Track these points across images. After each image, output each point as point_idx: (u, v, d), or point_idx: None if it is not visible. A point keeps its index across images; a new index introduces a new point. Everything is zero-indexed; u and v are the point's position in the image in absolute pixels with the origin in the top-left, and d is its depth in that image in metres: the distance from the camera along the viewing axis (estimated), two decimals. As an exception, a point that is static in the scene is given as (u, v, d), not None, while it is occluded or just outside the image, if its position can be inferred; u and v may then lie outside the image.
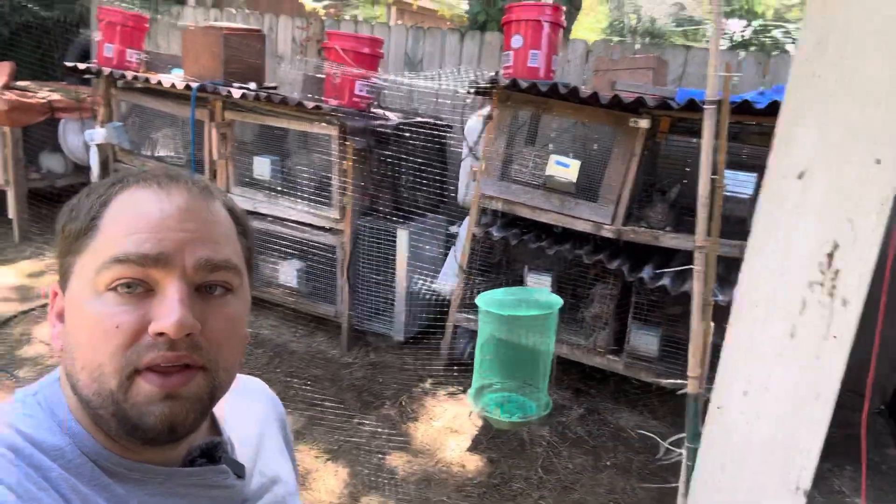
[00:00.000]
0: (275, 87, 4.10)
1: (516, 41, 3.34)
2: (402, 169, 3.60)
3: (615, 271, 3.18)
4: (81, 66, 4.28)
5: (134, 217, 0.60)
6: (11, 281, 4.22)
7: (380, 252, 3.62)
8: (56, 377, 0.64)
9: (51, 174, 5.05)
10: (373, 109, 3.62)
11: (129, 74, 4.08)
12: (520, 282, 3.38)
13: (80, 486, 0.57)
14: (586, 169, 3.26)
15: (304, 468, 2.77)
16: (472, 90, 3.41)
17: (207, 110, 3.89)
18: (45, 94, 4.78)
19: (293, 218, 3.73)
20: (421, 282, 3.63)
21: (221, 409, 0.75)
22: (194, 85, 3.76)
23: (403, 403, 3.31)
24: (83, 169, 4.95)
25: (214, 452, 0.69)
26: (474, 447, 3.01)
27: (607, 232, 3.17)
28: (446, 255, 3.73)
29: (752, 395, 0.76)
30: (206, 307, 0.61)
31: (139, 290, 0.58)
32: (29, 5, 5.90)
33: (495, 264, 3.58)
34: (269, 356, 3.62)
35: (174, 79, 3.94)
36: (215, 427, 0.74)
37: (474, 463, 2.90)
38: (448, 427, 3.13)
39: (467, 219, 3.51)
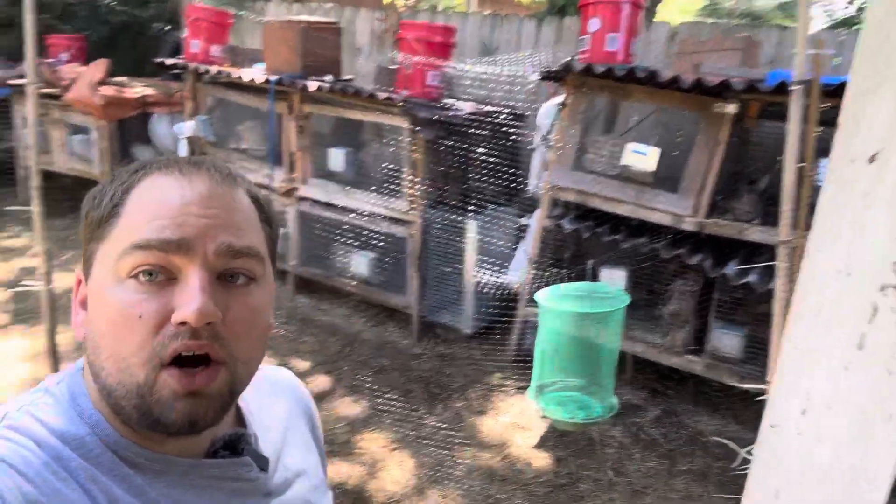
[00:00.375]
0: (350, 80, 4.14)
1: (593, 24, 3.20)
2: (472, 159, 3.54)
3: (696, 266, 3.00)
4: (169, 61, 4.48)
5: (155, 203, 0.59)
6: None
7: (449, 244, 3.59)
8: (80, 366, 0.64)
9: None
10: (444, 99, 3.58)
11: (213, 69, 4.23)
12: (592, 276, 3.26)
13: (100, 476, 0.57)
14: (666, 157, 3.10)
15: (370, 457, 2.79)
16: (545, 77, 3.30)
17: (286, 103, 3.98)
18: (138, 89, 5.05)
19: (365, 209, 3.76)
20: (490, 274, 3.57)
21: (247, 401, 0.74)
22: (273, 78, 3.85)
23: (470, 397, 3.27)
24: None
25: (238, 444, 0.68)
26: (541, 445, 2.93)
27: (688, 224, 3.00)
28: (516, 247, 3.65)
29: (812, 413, 0.66)
30: (227, 296, 0.60)
31: (160, 277, 0.58)
32: (118, 7, 6.24)
33: (566, 258, 3.47)
34: (341, 345, 3.68)
35: (254, 73, 4.05)
36: (240, 419, 0.73)
37: (541, 461, 2.83)
38: (514, 423, 3.07)
39: (538, 210, 3.42)
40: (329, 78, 3.86)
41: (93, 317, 0.60)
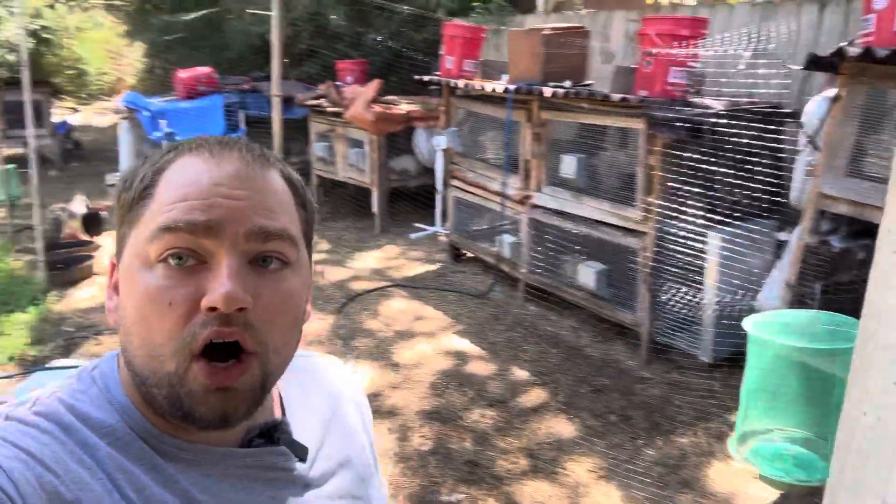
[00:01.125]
0: (589, 84, 3.98)
1: (879, 0, 2.60)
2: (720, 164, 3.13)
3: None
4: (426, 78, 4.81)
5: (184, 185, 0.57)
6: (369, 265, 4.98)
7: (687, 259, 3.22)
8: (117, 352, 0.64)
9: (405, 175, 5.82)
10: (691, 98, 3.23)
11: (462, 83, 4.43)
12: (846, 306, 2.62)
13: (128, 464, 0.56)
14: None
15: (575, 481, 2.62)
16: (810, 65, 2.77)
17: (525, 111, 3.99)
18: (405, 105, 5.52)
19: (595, 217, 3.58)
20: (737, 297, 3.11)
21: (288, 389, 0.71)
22: (511, 87, 3.89)
23: (699, 434, 2.88)
24: (431, 171, 5.59)
25: (273, 433, 0.65)
26: (782, 503, 2.45)
27: None
28: (771, 267, 3.13)
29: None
30: (260, 281, 0.57)
31: (191, 262, 0.56)
32: (397, 33, 6.90)
33: (835, 282, 2.86)
34: (561, 357, 3.54)
35: (496, 84, 4.14)
36: (278, 407, 0.70)
37: (778, 523, 2.37)
38: (750, 472, 2.61)
39: (800, 225, 2.89)
40: (567, 83, 3.76)
41: (124, 302, 0.59)
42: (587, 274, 3.68)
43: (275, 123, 2.25)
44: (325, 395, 0.76)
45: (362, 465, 0.75)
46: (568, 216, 3.79)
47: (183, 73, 6.72)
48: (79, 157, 9.09)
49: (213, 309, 0.54)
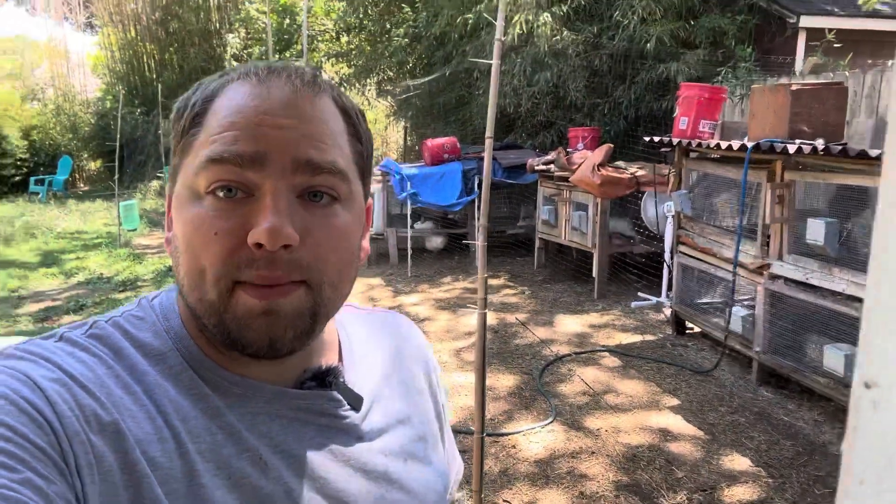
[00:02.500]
0: (844, 143, 3.49)
1: None
2: None
3: None
4: (657, 139, 4.65)
5: (231, 114, 0.56)
6: (581, 329, 4.84)
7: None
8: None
9: (630, 241, 5.60)
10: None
11: (695, 143, 4.20)
12: None
13: (175, 392, 0.55)
14: None
15: None
16: None
17: (766, 171, 3.64)
18: (633, 170, 5.39)
19: (848, 292, 3.06)
20: None
21: (350, 340, 0.70)
22: (749, 145, 3.58)
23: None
24: (658, 238, 5.32)
25: (326, 378, 0.63)
26: None
27: None
28: None
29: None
30: (308, 217, 0.56)
31: (240, 194, 0.55)
32: (637, 102, 6.80)
33: None
34: (796, 451, 3.02)
35: (734, 142, 3.84)
36: (336, 354, 0.68)
37: None
38: None
39: None
40: (819, 142, 3.35)
41: (176, 231, 0.58)
42: (836, 358, 3.13)
43: (485, 167, 2.33)
44: (389, 351, 0.74)
45: (423, 427, 0.71)
46: (813, 289, 3.31)
47: (430, 142, 7.38)
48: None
49: (259, 245, 0.52)
